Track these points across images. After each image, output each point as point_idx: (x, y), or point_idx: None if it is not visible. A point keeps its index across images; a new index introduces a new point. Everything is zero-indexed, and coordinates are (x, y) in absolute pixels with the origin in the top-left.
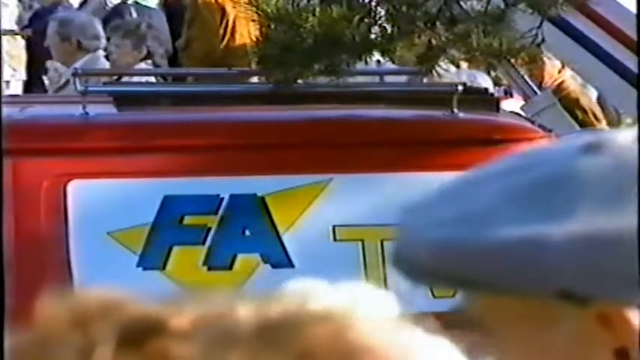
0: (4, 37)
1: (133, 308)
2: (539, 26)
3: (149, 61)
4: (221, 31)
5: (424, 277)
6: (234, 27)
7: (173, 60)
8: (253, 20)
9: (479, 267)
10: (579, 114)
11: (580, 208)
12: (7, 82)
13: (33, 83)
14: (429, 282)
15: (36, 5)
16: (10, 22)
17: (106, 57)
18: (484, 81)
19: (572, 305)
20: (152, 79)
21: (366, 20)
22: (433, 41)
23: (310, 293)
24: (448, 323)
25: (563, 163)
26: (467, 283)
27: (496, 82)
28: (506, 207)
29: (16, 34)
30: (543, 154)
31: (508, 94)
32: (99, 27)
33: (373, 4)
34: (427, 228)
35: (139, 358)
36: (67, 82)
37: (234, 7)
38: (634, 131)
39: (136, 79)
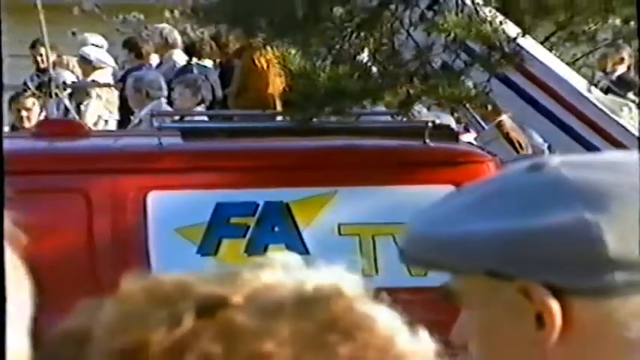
0: (104, 89)
1: (201, 288)
2: (488, 80)
3: (202, 105)
4: (267, 80)
5: (412, 262)
6: (275, 78)
7: (224, 103)
8: (280, 75)
9: (439, 254)
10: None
11: (509, 211)
12: (106, 121)
13: (124, 122)
14: (415, 266)
15: (127, 66)
16: (109, 78)
17: (168, 103)
18: (446, 119)
19: (502, 281)
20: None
21: (363, 76)
22: (411, 91)
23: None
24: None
25: (511, 179)
26: (434, 265)
27: (458, 121)
28: (463, 211)
29: (112, 86)
30: (501, 174)
31: (466, 129)
32: (162, 81)
33: (369, 64)
34: (415, 227)
35: (213, 326)
36: (140, 121)
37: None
38: (562, 156)
39: (196, 118)
